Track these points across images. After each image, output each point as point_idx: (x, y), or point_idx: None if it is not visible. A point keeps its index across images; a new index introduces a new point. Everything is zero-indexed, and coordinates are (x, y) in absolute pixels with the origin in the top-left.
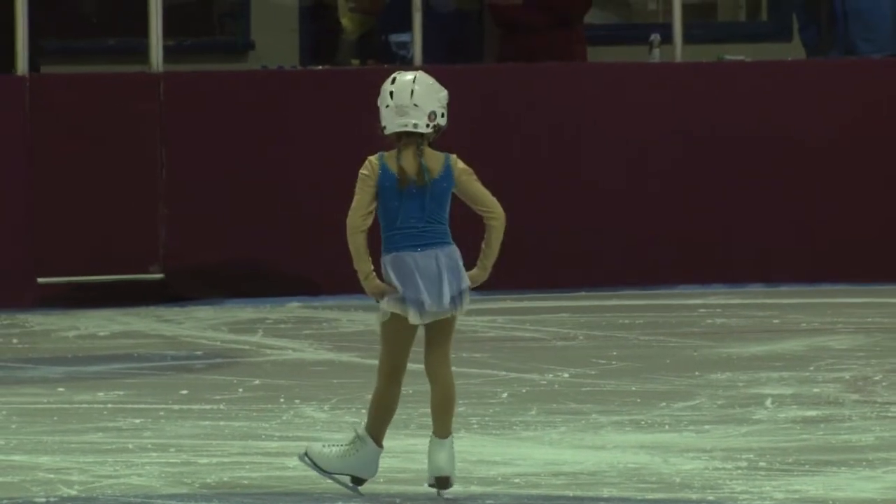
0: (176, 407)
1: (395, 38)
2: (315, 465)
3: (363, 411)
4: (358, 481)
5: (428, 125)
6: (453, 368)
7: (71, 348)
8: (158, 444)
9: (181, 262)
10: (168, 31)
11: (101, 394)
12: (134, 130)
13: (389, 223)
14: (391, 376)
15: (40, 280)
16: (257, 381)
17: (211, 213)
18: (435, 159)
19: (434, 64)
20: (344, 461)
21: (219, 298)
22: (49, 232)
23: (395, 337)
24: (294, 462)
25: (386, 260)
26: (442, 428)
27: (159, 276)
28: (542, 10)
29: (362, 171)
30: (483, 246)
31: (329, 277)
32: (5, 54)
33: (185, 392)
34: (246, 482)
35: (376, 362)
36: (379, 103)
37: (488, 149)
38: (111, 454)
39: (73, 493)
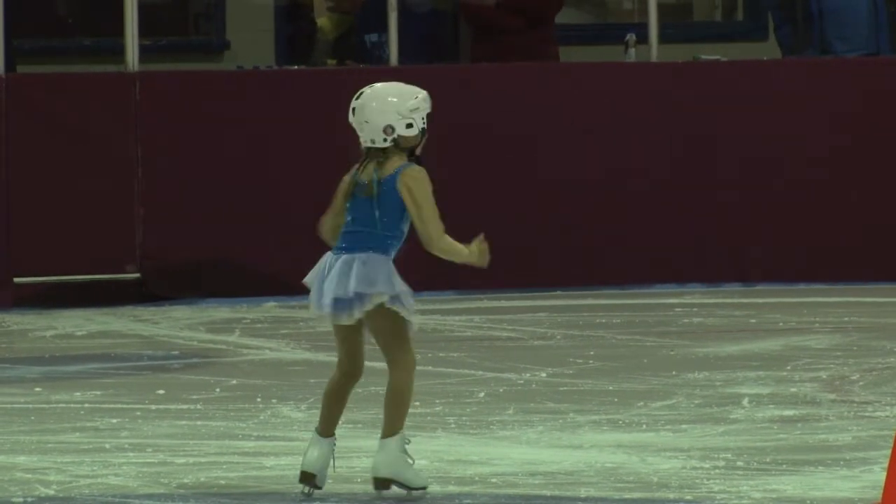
0: (153, 407)
1: (371, 38)
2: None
3: None
4: (304, 478)
5: (385, 139)
6: (429, 368)
7: (48, 348)
8: (135, 444)
9: (158, 262)
10: (143, 30)
11: (78, 394)
12: (110, 130)
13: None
14: (338, 367)
15: (17, 280)
16: (234, 381)
17: (187, 212)
18: (392, 169)
19: (410, 64)
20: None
21: (195, 298)
22: (26, 232)
23: (335, 332)
24: (272, 461)
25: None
26: (384, 427)
27: (136, 275)
28: (514, 10)
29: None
30: None
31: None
32: None
33: (162, 392)
34: (223, 482)
35: None
36: None
37: (463, 148)
38: (88, 454)
39: (51, 492)
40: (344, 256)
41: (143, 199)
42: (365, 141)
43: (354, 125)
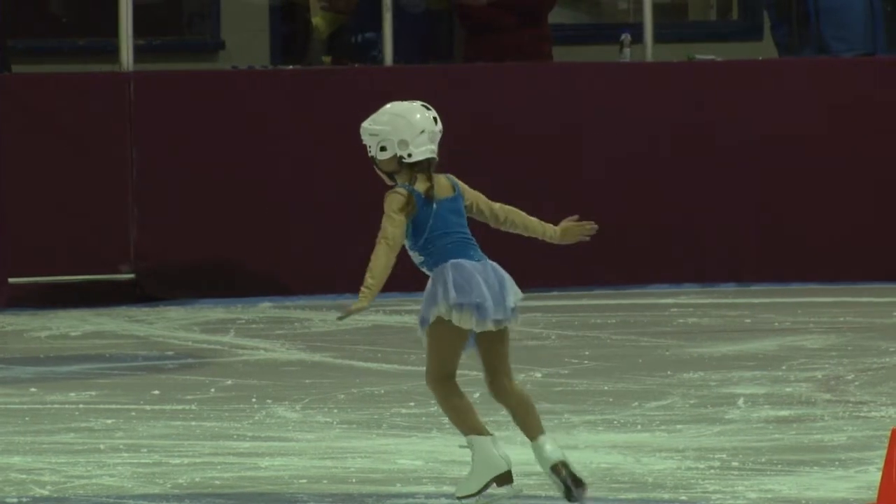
0: (148, 407)
1: (366, 37)
2: (469, 497)
3: (335, 411)
4: (503, 481)
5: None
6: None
7: (43, 348)
8: (130, 445)
9: (152, 263)
10: (138, 30)
11: (72, 394)
12: (104, 130)
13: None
14: (448, 379)
15: (11, 280)
16: (229, 381)
17: (182, 213)
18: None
19: (405, 63)
20: (477, 475)
21: (190, 298)
22: (20, 232)
23: (450, 344)
24: (266, 462)
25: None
26: (533, 430)
27: (130, 276)
28: (508, 9)
29: None
30: None
31: (300, 277)
32: None
33: (156, 392)
34: (218, 482)
35: (349, 363)
36: None
37: (456, 148)
38: (83, 454)
39: (45, 493)
40: (490, 262)
41: (137, 200)
42: (435, 152)
43: (439, 135)
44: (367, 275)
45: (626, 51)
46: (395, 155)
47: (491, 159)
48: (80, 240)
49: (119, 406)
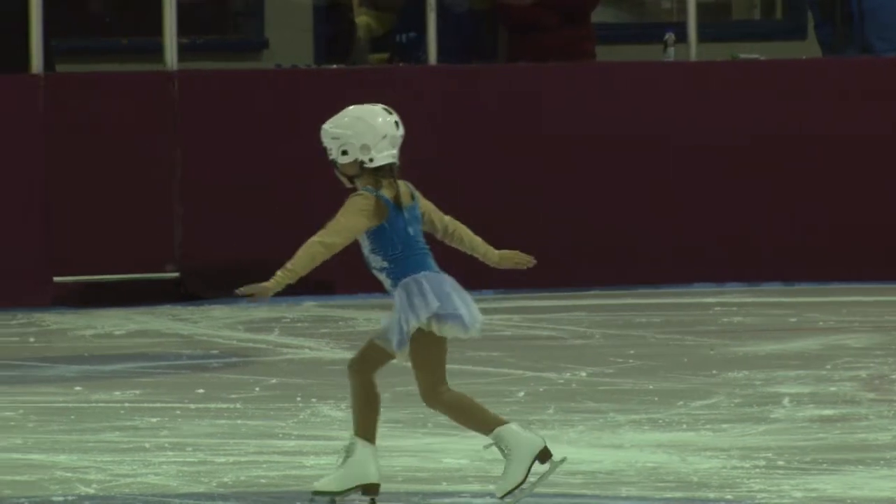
0: (192, 406)
1: (410, 37)
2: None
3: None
4: (544, 457)
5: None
6: (469, 367)
7: (87, 347)
8: (175, 443)
9: (196, 262)
10: (182, 29)
11: (117, 393)
12: (149, 129)
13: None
14: (445, 386)
15: (56, 279)
16: (274, 380)
17: (226, 211)
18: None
19: (448, 63)
20: (517, 462)
21: (234, 297)
22: (65, 231)
23: (436, 353)
24: (311, 461)
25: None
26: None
27: (175, 274)
28: (550, 8)
29: None
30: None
31: (345, 276)
32: (20, 53)
33: (201, 391)
34: (263, 481)
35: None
36: None
37: (502, 147)
38: (128, 453)
39: (91, 491)
40: (443, 273)
41: (182, 199)
42: (396, 157)
43: (400, 139)
44: (290, 262)
45: (670, 50)
46: (357, 160)
47: (533, 157)
48: (124, 239)
49: (164, 405)
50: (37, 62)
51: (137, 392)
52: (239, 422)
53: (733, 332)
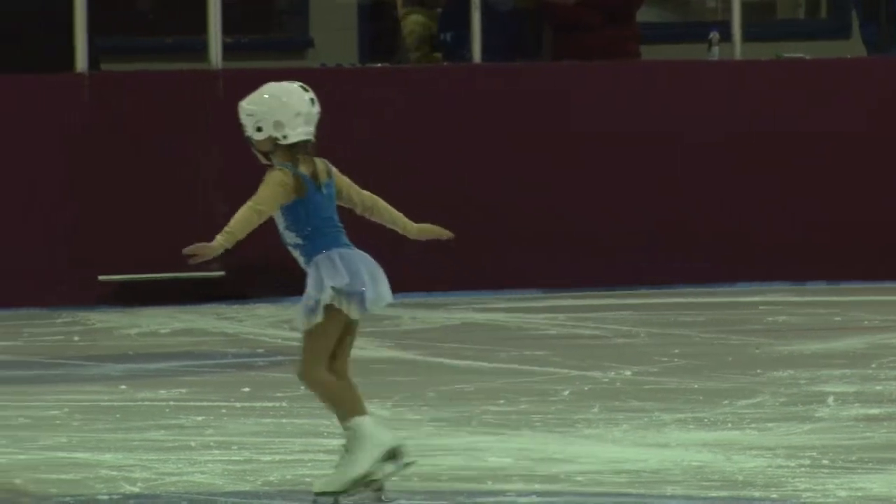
0: (238, 404)
1: (454, 35)
2: (358, 481)
3: (425, 408)
4: (394, 456)
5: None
6: (514, 366)
7: (132, 346)
8: (221, 442)
9: (241, 260)
10: (226, 28)
11: (162, 391)
12: (193, 128)
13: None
14: (323, 366)
15: (101, 278)
16: None
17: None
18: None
19: (493, 62)
20: (365, 453)
21: (279, 296)
22: (109, 229)
23: (332, 332)
24: None
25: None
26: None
27: (220, 273)
28: (595, 7)
29: None
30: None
31: (389, 276)
32: (65, 52)
33: (247, 389)
34: (309, 480)
35: (438, 360)
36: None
37: (544, 144)
38: (173, 452)
39: (136, 490)
40: (356, 250)
41: (226, 197)
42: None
43: (315, 117)
44: (228, 225)
45: (715, 49)
46: (270, 136)
47: (577, 156)
48: (168, 237)
49: (209, 403)
50: (81, 61)
51: (183, 391)
52: (284, 420)
53: (778, 331)
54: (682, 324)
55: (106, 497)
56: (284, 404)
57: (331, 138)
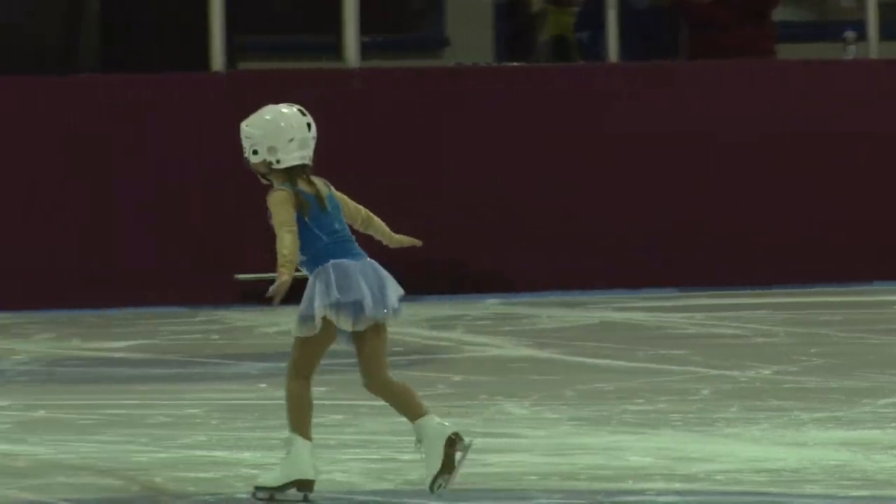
0: (378, 403)
1: (590, 34)
2: (264, 489)
3: (564, 407)
4: (304, 487)
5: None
6: (653, 365)
7: (271, 344)
8: (360, 441)
9: (379, 259)
10: (363, 27)
11: None
12: (328, 126)
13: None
14: (308, 378)
15: (239, 276)
16: (458, 378)
17: (409, 209)
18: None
19: (629, 60)
20: (282, 471)
21: (418, 295)
22: (248, 228)
23: (321, 342)
24: (496, 458)
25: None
26: (418, 409)
27: None
28: (730, 6)
29: None
30: None
31: (526, 275)
32: (201, 51)
33: None
34: None
35: (577, 359)
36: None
37: (679, 143)
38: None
39: None
40: (368, 260)
41: (362, 196)
42: (309, 158)
43: (312, 141)
44: (281, 255)
45: (851, 48)
46: (265, 160)
47: (713, 154)
48: None
49: (348, 402)
50: (218, 60)
51: (322, 389)
52: None
53: None
54: (821, 323)
55: (245, 495)
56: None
57: (466, 136)
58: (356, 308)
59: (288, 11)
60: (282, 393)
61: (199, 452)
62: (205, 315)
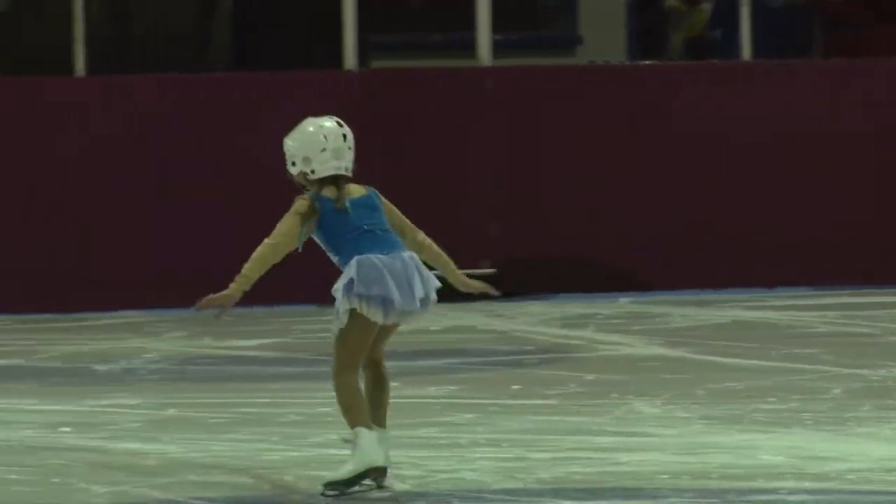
0: (508, 402)
1: (724, 32)
2: (334, 484)
3: (695, 406)
4: (378, 475)
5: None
6: (785, 364)
7: (402, 343)
8: (491, 439)
9: (512, 258)
10: (495, 25)
11: (432, 388)
12: (460, 124)
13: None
14: (355, 370)
15: None
16: (590, 377)
17: (540, 206)
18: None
19: (762, 59)
20: (353, 464)
21: (550, 293)
22: None
23: (359, 335)
24: (627, 457)
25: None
26: (381, 419)
27: (491, 270)
28: (865, 5)
29: None
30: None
31: (661, 274)
32: (335, 49)
33: (517, 387)
34: (579, 477)
35: (708, 358)
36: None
37: (808, 141)
38: (444, 449)
39: (406, 487)
40: (403, 254)
41: (495, 194)
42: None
43: (349, 151)
44: (244, 268)
45: None
46: (301, 171)
47: (843, 154)
48: (439, 234)
49: (479, 400)
50: (350, 58)
51: (453, 388)
52: (555, 418)
53: None
54: None
55: (376, 494)
56: (555, 402)
57: (597, 134)
58: (385, 302)
59: (421, 10)
60: (413, 392)
61: (330, 451)
62: (335, 313)
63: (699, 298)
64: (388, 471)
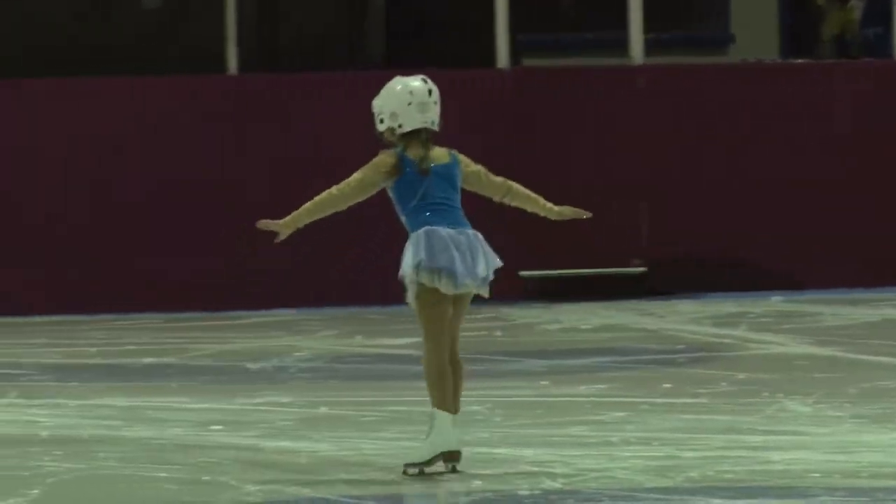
0: (659, 400)
1: (876, 32)
2: (414, 465)
3: (846, 405)
4: (450, 459)
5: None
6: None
7: (553, 341)
8: (641, 438)
9: (663, 257)
10: (647, 24)
11: (583, 387)
12: (611, 122)
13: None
14: (445, 349)
15: (522, 273)
16: (741, 375)
17: (690, 205)
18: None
19: None
20: (428, 446)
21: (701, 292)
22: (531, 226)
23: (436, 307)
24: (778, 456)
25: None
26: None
27: (642, 270)
28: None
29: None
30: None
31: (814, 272)
32: (487, 48)
33: (668, 385)
34: (729, 476)
35: (859, 357)
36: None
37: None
38: (594, 447)
39: (557, 486)
40: (469, 231)
41: (646, 193)
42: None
43: (434, 105)
44: (305, 204)
45: None
46: (389, 127)
47: None
48: (590, 235)
49: (630, 399)
50: (502, 57)
51: (603, 386)
52: (705, 416)
53: None
54: None
55: (527, 492)
56: (705, 400)
57: (749, 134)
58: (450, 273)
59: (573, 9)
60: (564, 390)
61: (482, 449)
62: (488, 312)
63: (851, 297)
64: (460, 454)
